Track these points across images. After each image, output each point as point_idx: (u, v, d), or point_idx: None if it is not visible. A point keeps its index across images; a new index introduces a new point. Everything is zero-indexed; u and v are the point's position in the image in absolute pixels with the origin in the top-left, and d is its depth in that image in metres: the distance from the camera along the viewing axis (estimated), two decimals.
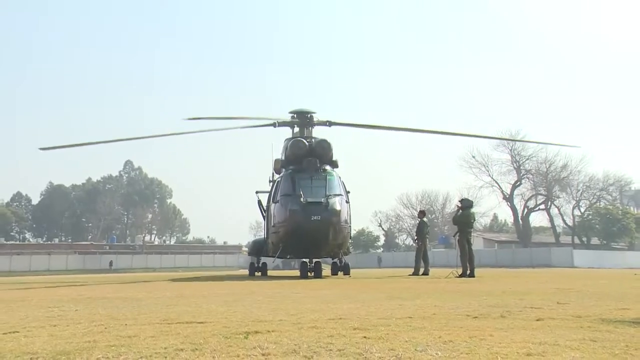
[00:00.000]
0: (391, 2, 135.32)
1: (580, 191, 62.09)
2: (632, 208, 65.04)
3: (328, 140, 15.81)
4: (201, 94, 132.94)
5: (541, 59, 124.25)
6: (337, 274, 16.13)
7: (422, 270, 14.73)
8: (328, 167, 15.37)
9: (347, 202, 15.05)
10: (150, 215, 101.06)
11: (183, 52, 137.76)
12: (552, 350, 2.43)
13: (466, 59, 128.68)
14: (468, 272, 12.67)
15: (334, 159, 15.75)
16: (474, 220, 14.78)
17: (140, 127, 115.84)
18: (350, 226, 15.56)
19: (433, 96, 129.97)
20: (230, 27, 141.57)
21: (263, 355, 2.36)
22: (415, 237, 16.26)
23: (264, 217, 17.56)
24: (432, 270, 15.15)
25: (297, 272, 15.17)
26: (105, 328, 3.38)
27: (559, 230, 65.29)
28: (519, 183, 60.98)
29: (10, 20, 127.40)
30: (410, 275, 14.48)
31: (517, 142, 55.36)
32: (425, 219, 16.00)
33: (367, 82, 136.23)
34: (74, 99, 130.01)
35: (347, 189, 15.53)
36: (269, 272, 18.21)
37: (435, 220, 67.96)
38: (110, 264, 59.38)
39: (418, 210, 16.81)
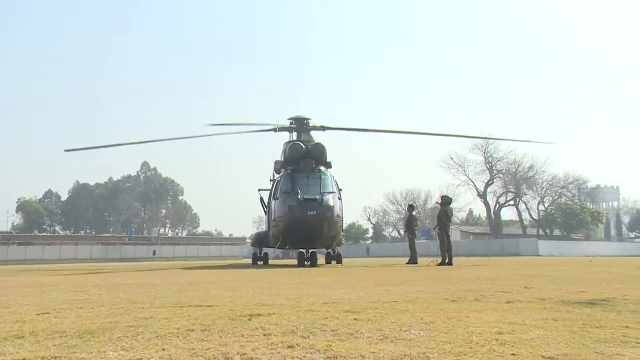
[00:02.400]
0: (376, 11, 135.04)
1: (544, 189, 62.70)
2: (588, 203, 65.68)
3: (322, 144, 15.82)
4: (206, 100, 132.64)
5: (511, 72, 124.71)
6: (330, 263, 16.10)
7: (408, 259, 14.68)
8: (322, 168, 15.33)
9: (340, 198, 15.03)
10: (164, 211, 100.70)
11: (197, 61, 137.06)
12: (520, 329, 2.44)
13: (448, 68, 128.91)
14: (447, 260, 12.68)
15: (328, 160, 15.73)
16: (452, 214, 14.79)
17: (156, 130, 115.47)
18: (342, 220, 15.53)
19: (416, 101, 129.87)
20: (238, 34, 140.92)
21: (265, 335, 2.35)
22: (405, 230, 16.12)
23: (265, 212, 17.50)
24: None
25: (295, 261, 15.16)
26: (125, 310, 3.37)
27: (526, 223, 65.71)
28: (491, 182, 61.35)
29: (47, 24, 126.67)
30: (406, 263, 14.15)
31: (490, 146, 55.80)
32: (414, 213, 15.88)
33: (362, 87, 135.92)
34: (101, 103, 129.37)
35: (340, 187, 15.51)
36: (270, 261, 18.17)
37: (418, 215, 68.02)
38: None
39: (407, 205, 16.55)
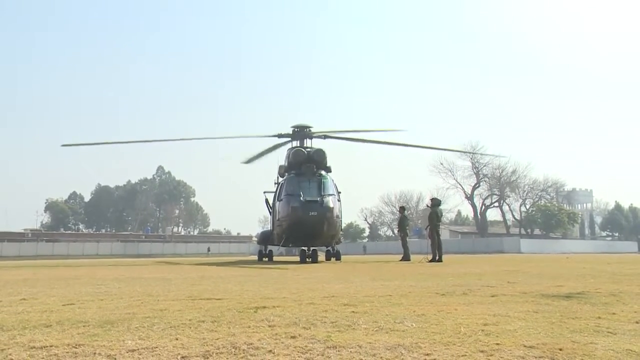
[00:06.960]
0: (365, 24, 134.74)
1: (526, 192, 62.92)
2: (565, 205, 65.91)
3: (323, 150, 15.77)
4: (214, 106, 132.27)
5: (496, 82, 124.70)
6: (330, 260, 16.04)
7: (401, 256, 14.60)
8: (323, 172, 15.26)
9: (339, 200, 14.98)
10: (177, 211, 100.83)
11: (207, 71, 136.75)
12: (504, 321, 2.44)
13: (440, 80, 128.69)
14: (437, 258, 12.63)
15: (328, 165, 15.67)
16: (441, 215, 14.73)
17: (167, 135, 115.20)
18: (341, 220, 15.47)
19: (409, 110, 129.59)
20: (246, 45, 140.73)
21: (269, 326, 2.35)
22: (398, 229, 16.01)
23: (270, 212, 17.43)
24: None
25: (297, 258, 15.11)
26: (142, 302, 3.37)
27: (509, 223, 65.70)
28: (478, 185, 61.47)
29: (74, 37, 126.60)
30: (400, 260, 14.08)
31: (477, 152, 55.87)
32: (405, 214, 15.79)
33: (359, 95, 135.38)
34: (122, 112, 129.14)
35: (339, 190, 15.45)
36: (274, 258, 18.12)
37: (411, 215, 67.95)
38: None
39: (398, 207, 16.29)
